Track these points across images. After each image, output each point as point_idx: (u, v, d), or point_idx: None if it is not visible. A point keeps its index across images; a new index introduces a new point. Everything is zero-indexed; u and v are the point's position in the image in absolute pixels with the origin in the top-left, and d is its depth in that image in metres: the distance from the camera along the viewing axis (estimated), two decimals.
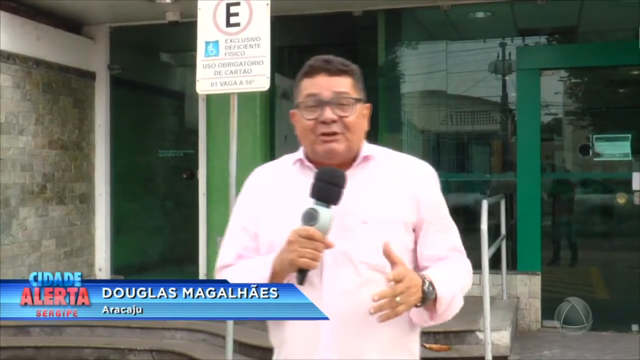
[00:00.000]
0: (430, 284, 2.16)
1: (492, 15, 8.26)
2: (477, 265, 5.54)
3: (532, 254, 7.79)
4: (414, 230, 2.31)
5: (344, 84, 2.28)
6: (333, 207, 2.14)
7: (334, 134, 2.25)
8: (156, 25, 8.49)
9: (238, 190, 5.80)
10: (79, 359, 7.15)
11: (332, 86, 2.27)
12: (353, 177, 2.26)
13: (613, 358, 6.74)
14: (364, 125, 2.36)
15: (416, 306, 2.14)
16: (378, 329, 2.17)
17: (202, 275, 8.22)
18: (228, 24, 5.49)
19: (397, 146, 8.40)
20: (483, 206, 5.88)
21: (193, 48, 5.69)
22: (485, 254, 5.84)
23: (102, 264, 8.97)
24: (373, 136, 10.37)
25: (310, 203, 2.14)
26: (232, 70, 5.42)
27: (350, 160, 2.32)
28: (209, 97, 7.93)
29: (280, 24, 7.75)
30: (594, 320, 7.65)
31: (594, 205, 8.51)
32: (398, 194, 2.29)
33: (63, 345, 7.24)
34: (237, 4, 5.56)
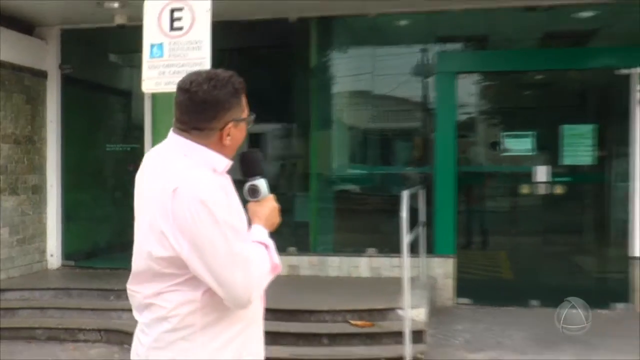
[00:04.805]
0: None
1: (414, 23, 8.51)
2: (397, 249, 5.74)
3: (447, 239, 8.12)
4: None
5: None
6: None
7: None
8: (105, 28, 8.43)
9: None
10: (30, 338, 7.08)
11: None
12: None
13: (517, 329, 7.06)
14: None
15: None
16: None
17: None
18: (172, 28, 5.65)
19: (327, 142, 8.62)
20: (403, 196, 5.95)
21: (139, 49, 5.81)
22: (405, 239, 5.88)
23: (53, 251, 9.04)
24: (305, 133, 10.52)
25: (248, 182, 2.31)
26: (175, 70, 5.54)
27: None
28: (154, 95, 7.98)
29: (221, 28, 7.85)
30: (500, 297, 7.95)
31: (503, 196, 8.83)
32: None
33: (14, 327, 7.17)
34: (181, 9, 5.67)
